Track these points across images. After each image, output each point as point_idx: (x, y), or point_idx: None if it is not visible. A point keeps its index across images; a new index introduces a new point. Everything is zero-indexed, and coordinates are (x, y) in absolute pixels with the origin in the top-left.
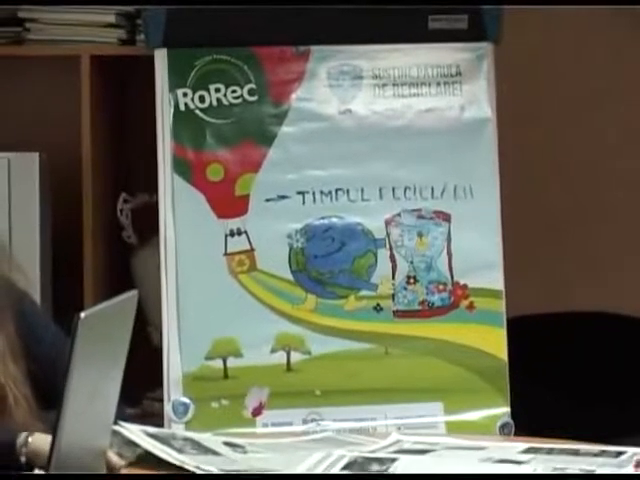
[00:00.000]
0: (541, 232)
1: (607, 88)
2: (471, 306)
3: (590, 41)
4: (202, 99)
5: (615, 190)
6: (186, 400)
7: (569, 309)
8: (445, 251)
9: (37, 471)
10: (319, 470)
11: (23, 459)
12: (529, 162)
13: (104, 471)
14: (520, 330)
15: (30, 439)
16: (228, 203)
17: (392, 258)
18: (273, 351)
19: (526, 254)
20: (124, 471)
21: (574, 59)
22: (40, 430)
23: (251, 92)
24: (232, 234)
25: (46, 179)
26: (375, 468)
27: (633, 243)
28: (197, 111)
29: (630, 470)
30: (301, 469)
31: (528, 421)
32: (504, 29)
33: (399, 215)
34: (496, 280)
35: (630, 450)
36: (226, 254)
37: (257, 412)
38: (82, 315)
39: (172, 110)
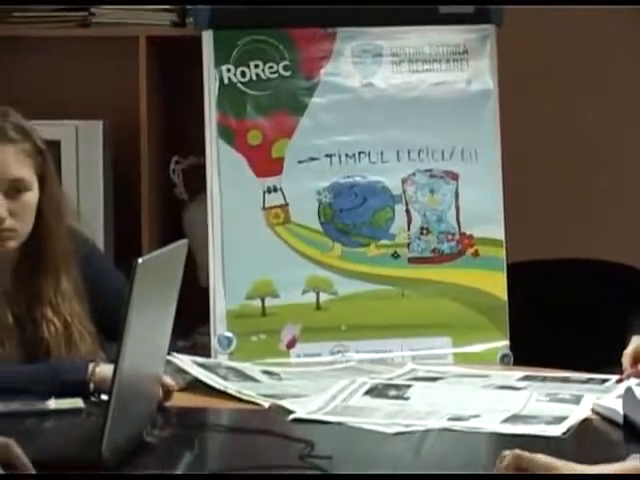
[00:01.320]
0: (541, 188)
1: (597, 63)
2: (476, 253)
3: (585, 21)
4: (243, 74)
5: (608, 149)
6: (229, 334)
7: (565, 256)
8: (453, 206)
9: (103, 396)
10: (345, 394)
11: (92, 386)
12: (528, 127)
13: (160, 395)
14: (522, 274)
15: (97, 369)
16: (266, 164)
17: (407, 212)
18: (304, 292)
19: (528, 207)
20: (177, 395)
21: (570, 38)
22: (103, 359)
23: (286, 68)
24: (269, 191)
25: (109, 144)
26: (392, 393)
27: (622, 199)
28: (239, 84)
29: (613, 394)
30: (329, 393)
31: (526, 353)
32: (506, 13)
33: (414, 174)
34: (498, 231)
35: (613, 377)
36: (264, 208)
37: (291, 345)
38: (140, 261)
39: (217, 84)
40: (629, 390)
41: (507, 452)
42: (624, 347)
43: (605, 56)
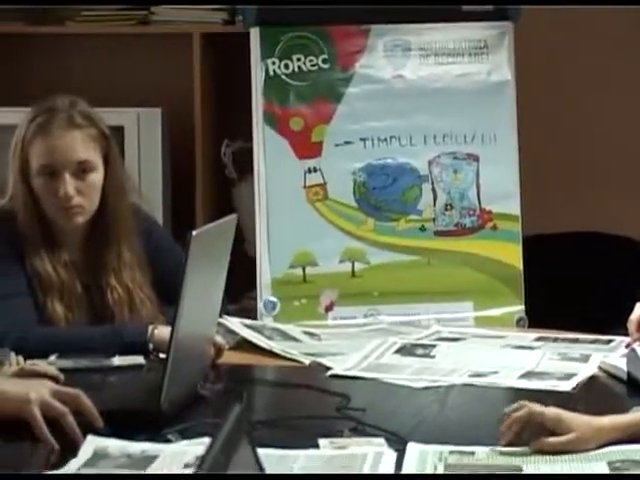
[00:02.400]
0: (554, 168)
1: (605, 56)
2: (495, 227)
3: (594, 18)
4: (287, 66)
5: (614, 133)
6: (274, 299)
7: (575, 230)
8: (475, 184)
9: (162, 355)
10: (377, 353)
11: (151, 346)
12: (542, 114)
13: (212, 353)
14: (537, 245)
15: (156, 331)
16: (306, 147)
17: (433, 190)
18: (341, 261)
19: (542, 185)
20: (227, 353)
21: (580, 34)
22: (162, 323)
23: (324, 61)
24: (309, 171)
25: (167, 129)
26: (420, 352)
27: (625, 179)
28: (283, 76)
29: (618, 353)
30: (363, 352)
31: (539, 316)
32: (523, 11)
33: (439, 157)
34: (514, 207)
35: (617, 338)
36: (305, 187)
37: (329, 309)
38: (194, 233)
39: (263, 75)
40: (632, 350)
41: (516, 405)
42: (627, 311)
43: (612, 50)
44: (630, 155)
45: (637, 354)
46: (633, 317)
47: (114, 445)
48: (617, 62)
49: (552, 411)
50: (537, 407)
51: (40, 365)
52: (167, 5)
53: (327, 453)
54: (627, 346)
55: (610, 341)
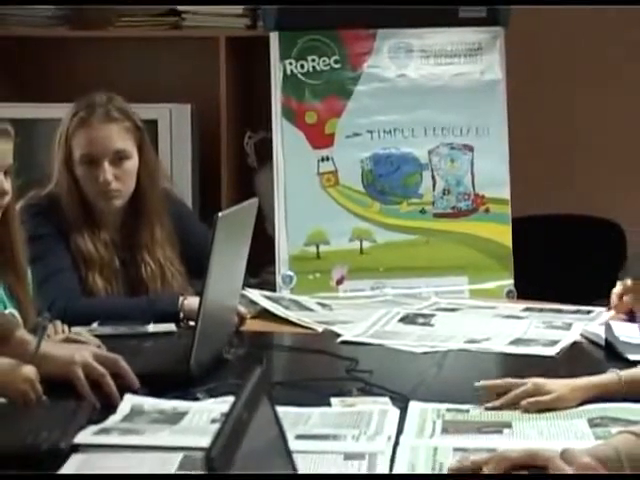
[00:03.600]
0: (540, 158)
1: (585, 56)
2: (487, 210)
3: (576, 22)
4: (302, 66)
5: (595, 127)
6: (291, 273)
7: (559, 212)
8: (469, 172)
9: (191, 323)
10: (383, 321)
11: (181, 315)
12: (529, 108)
13: (236, 321)
14: (524, 226)
15: (186, 302)
16: (320, 139)
17: (433, 177)
18: (350, 240)
19: (530, 173)
20: (249, 322)
21: (563, 37)
22: (191, 294)
23: (336, 62)
24: (322, 160)
25: (196, 122)
26: (420, 321)
27: (605, 169)
28: (299, 75)
29: (597, 322)
30: (370, 320)
31: (527, 289)
32: (512, 17)
33: (438, 147)
34: (505, 192)
35: (597, 309)
36: (318, 174)
37: (339, 282)
38: (220, 215)
39: (281, 74)
40: (608, 323)
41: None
42: (604, 283)
43: (591, 50)
44: (608, 146)
45: (612, 328)
46: (616, 291)
47: (149, 403)
48: (595, 61)
49: (532, 380)
50: (520, 390)
51: (83, 335)
52: (196, 5)
53: (338, 411)
54: (609, 309)
55: (590, 311)
